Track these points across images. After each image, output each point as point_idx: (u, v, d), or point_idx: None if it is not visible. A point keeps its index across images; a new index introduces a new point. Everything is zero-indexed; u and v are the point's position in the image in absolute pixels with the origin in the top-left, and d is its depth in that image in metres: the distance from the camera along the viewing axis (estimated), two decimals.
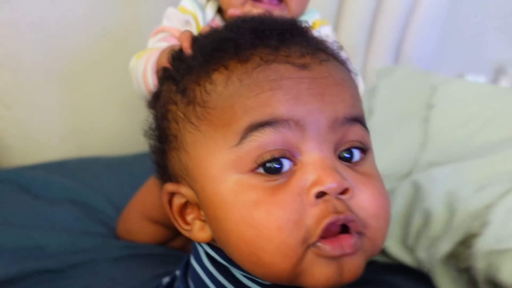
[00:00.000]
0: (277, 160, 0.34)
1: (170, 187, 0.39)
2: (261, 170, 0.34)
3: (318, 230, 0.33)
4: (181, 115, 0.38)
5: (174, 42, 0.60)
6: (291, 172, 0.34)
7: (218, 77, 0.36)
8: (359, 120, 0.37)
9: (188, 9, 0.66)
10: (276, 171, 0.34)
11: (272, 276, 0.35)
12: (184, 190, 0.38)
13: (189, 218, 0.39)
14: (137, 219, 0.74)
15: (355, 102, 0.38)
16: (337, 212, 0.33)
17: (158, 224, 0.73)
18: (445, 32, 1.44)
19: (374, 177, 0.37)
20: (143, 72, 0.59)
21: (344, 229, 0.34)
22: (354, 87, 0.39)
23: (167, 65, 0.46)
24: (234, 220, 0.34)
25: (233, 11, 0.59)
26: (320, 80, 0.36)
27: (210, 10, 0.66)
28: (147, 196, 0.75)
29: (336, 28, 1.29)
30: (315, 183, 0.33)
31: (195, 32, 0.54)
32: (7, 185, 0.83)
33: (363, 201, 0.35)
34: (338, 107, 0.36)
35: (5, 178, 0.84)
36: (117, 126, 1.03)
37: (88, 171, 0.93)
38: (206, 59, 0.37)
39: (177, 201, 0.39)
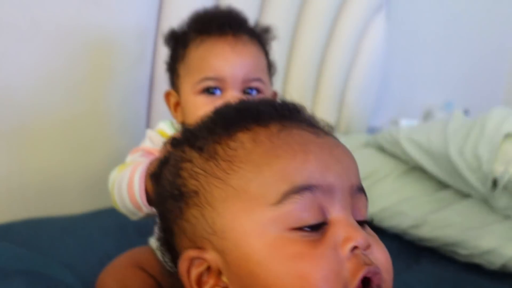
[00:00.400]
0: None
1: (192, 253, 0.38)
2: (306, 228, 0.36)
3: (355, 282, 0.35)
4: (200, 171, 0.38)
5: (151, 157, 0.64)
6: (324, 230, 0.37)
7: (243, 136, 0.38)
8: (363, 190, 0.41)
9: (167, 132, 0.69)
10: (313, 229, 0.36)
11: None
12: (209, 255, 0.37)
13: (206, 286, 0.38)
14: (126, 266, 0.67)
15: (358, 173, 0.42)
16: (367, 264, 0.36)
17: (148, 274, 0.67)
18: (381, 82, 1.54)
19: (377, 238, 0.41)
20: (128, 181, 0.59)
21: (366, 283, 0.37)
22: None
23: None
24: (277, 273, 0.35)
25: None
26: (336, 149, 0.40)
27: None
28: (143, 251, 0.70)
29: (285, 78, 1.33)
30: (347, 240, 0.36)
31: None
32: None
33: (379, 256, 0.38)
34: (352, 175, 0.40)
35: None
36: (69, 182, 0.97)
37: (40, 235, 0.84)
38: (226, 123, 0.40)
39: (196, 269, 0.38)
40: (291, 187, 0.36)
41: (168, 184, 0.40)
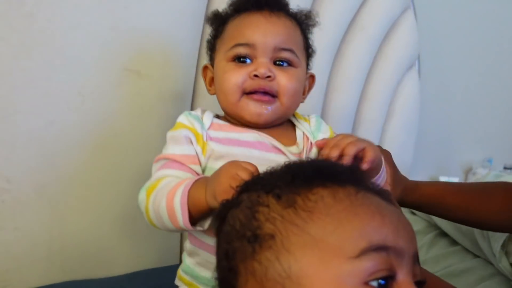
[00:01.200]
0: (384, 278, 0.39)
1: None
2: (373, 283, 0.38)
3: None
4: (278, 216, 0.40)
5: (174, 167, 0.62)
6: None
7: (323, 191, 0.41)
8: (418, 258, 0.44)
9: (185, 124, 0.66)
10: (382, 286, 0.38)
11: None
12: None
13: None
14: None
15: None
16: None
17: None
18: (417, 140, 1.53)
19: None
20: (169, 211, 0.58)
21: None
22: None
23: (201, 200, 0.55)
24: None
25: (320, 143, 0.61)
26: (402, 216, 0.43)
27: (207, 118, 0.68)
28: None
29: None
30: None
31: (195, 142, 0.63)
32: None
33: None
34: (415, 243, 0.43)
35: None
36: (107, 245, 0.99)
37: None
38: (305, 177, 0.42)
39: None
40: (370, 245, 0.38)
41: (240, 225, 0.42)
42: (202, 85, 1.07)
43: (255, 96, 0.63)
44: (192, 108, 1.08)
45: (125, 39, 0.92)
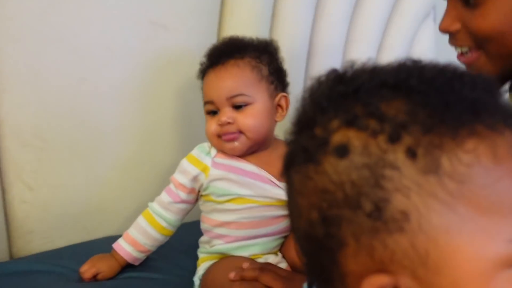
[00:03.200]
0: None
1: (383, 279, 0.30)
2: None
3: None
4: (413, 186, 0.29)
5: (173, 194, 0.81)
6: None
7: (478, 145, 0.30)
8: None
9: (198, 159, 0.81)
10: None
11: None
12: (403, 281, 0.30)
13: None
14: None
15: None
16: None
17: None
18: None
19: None
20: (134, 237, 0.83)
21: None
22: None
23: None
24: None
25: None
26: None
27: (214, 149, 0.82)
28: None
29: None
30: None
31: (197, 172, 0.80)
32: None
33: None
34: None
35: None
36: (144, 201, 1.00)
37: None
38: (449, 117, 0.30)
39: None
40: None
41: (353, 188, 0.31)
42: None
43: (224, 138, 0.79)
44: None
45: None
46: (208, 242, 0.84)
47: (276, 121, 0.83)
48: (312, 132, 0.33)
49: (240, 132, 0.79)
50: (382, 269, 0.31)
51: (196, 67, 1.00)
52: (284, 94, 0.83)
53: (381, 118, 0.31)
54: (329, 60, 1.31)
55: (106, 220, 0.96)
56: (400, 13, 1.43)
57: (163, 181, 0.99)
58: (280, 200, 0.79)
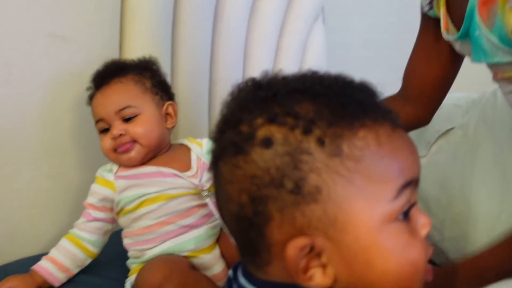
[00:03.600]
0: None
1: (304, 241, 0.38)
2: (400, 217, 0.40)
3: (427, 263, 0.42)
4: (323, 166, 0.38)
5: (85, 214, 0.85)
6: (410, 217, 0.42)
7: (367, 135, 0.39)
8: None
9: (103, 178, 0.86)
10: (407, 217, 0.41)
11: None
12: (319, 241, 0.39)
13: (312, 270, 0.39)
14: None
15: None
16: (430, 246, 0.44)
17: None
18: None
19: None
20: (54, 256, 0.83)
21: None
22: None
23: None
24: (396, 262, 0.39)
25: None
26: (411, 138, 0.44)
27: (115, 165, 0.87)
28: None
29: None
30: (424, 225, 0.42)
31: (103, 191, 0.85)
32: None
33: None
34: None
35: None
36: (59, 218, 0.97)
37: None
38: (346, 115, 0.39)
39: (304, 256, 0.39)
40: (404, 182, 0.39)
41: (277, 172, 0.38)
42: (128, 50, 1.06)
43: (119, 150, 0.84)
44: None
45: (47, 2, 0.88)
46: (139, 254, 0.84)
47: (168, 128, 0.89)
48: (238, 129, 0.40)
49: (134, 141, 0.84)
50: (301, 234, 0.39)
51: None
52: (170, 102, 0.91)
53: (296, 116, 0.39)
54: (231, 62, 1.36)
55: (17, 243, 0.92)
56: (292, 15, 1.53)
57: (75, 198, 0.98)
58: (188, 190, 0.84)
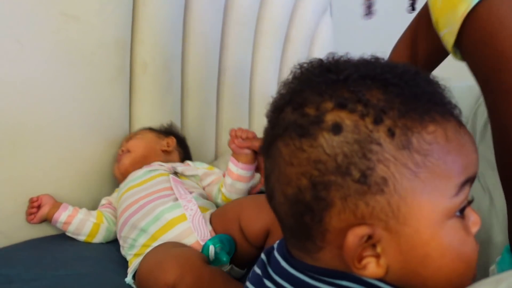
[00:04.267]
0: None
1: (364, 230, 0.38)
2: (457, 214, 0.40)
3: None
4: (391, 158, 0.38)
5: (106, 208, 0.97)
6: (464, 214, 0.42)
7: (436, 130, 0.39)
8: None
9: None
10: (462, 214, 0.41)
11: None
12: (378, 231, 0.38)
13: (367, 259, 0.39)
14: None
15: None
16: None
17: None
18: None
19: None
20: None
21: None
22: None
23: None
24: (451, 258, 0.39)
25: None
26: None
27: None
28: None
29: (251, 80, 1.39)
30: (475, 223, 0.42)
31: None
32: None
33: None
34: None
35: None
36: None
37: None
38: (418, 108, 0.38)
39: (363, 244, 0.39)
40: (466, 179, 0.39)
41: (344, 159, 0.38)
42: (140, 33, 1.06)
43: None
44: (132, 56, 1.06)
45: None
46: (132, 243, 0.85)
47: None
48: (303, 110, 0.39)
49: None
50: (362, 223, 0.38)
51: (112, 60, 0.99)
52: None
53: (367, 104, 0.38)
54: (240, 51, 1.36)
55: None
56: (302, 7, 1.53)
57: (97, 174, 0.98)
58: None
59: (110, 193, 1.01)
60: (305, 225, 0.40)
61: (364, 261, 0.39)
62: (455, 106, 0.42)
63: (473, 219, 0.42)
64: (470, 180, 0.40)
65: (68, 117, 0.95)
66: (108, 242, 0.93)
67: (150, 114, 1.12)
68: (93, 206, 0.98)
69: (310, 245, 0.41)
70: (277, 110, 0.41)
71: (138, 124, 1.10)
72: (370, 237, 0.38)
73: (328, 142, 0.38)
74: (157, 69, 1.10)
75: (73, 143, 0.96)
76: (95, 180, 1.01)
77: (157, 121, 1.11)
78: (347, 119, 0.38)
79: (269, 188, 0.43)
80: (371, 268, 0.39)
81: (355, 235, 0.38)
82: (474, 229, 0.42)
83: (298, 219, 0.40)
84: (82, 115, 0.97)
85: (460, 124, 0.41)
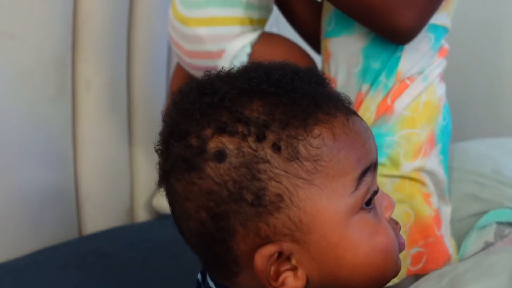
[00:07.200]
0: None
1: (270, 248, 0.37)
2: (364, 205, 0.40)
3: (398, 244, 0.42)
4: (282, 172, 0.37)
5: None
6: (373, 202, 0.41)
7: (322, 131, 0.38)
8: None
9: None
10: (369, 204, 0.40)
11: (383, 284, 0.41)
12: (285, 246, 0.38)
13: (284, 274, 0.39)
14: None
15: None
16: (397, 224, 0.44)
17: None
18: None
19: None
20: None
21: None
22: None
23: None
24: (365, 253, 0.39)
25: None
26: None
27: None
28: None
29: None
30: (388, 207, 0.42)
31: None
32: None
33: None
34: None
35: None
36: None
37: None
38: (300, 113, 0.37)
39: (273, 262, 0.38)
40: (362, 171, 0.39)
41: (235, 186, 0.36)
42: (81, 51, 1.03)
43: None
44: (74, 74, 1.03)
45: None
46: None
47: None
48: (186, 142, 0.38)
49: None
50: (268, 242, 0.38)
51: (52, 79, 0.95)
52: None
53: (247, 122, 0.37)
54: None
55: None
56: None
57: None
58: None
59: (50, 217, 0.96)
60: (216, 255, 0.39)
61: (281, 278, 0.38)
62: (342, 99, 0.41)
63: (385, 204, 0.42)
64: (369, 168, 0.40)
65: (4, 138, 0.90)
66: None
67: (95, 133, 1.08)
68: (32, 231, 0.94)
69: (226, 272, 0.40)
70: (164, 143, 0.40)
71: (83, 144, 1.07)
72: (281, 253, 0.38)
73: (215, 171, 0.37)
74: (101, 87, 1.07)
75: (7, 166, 0.91)
76: (34, 205, 0.96)
77: (103, 140, 1.08)
78: (229, 143, 0.37)
79: (176, 223, 0.42)
80: (290, 282, 0.38)
81: (262, 256, 0.37)
82: (387, 214, 0.42)
83: (209, 251, 0.40)
84: (20, 136, 0.93)
85: (348, 115, 0.40)
